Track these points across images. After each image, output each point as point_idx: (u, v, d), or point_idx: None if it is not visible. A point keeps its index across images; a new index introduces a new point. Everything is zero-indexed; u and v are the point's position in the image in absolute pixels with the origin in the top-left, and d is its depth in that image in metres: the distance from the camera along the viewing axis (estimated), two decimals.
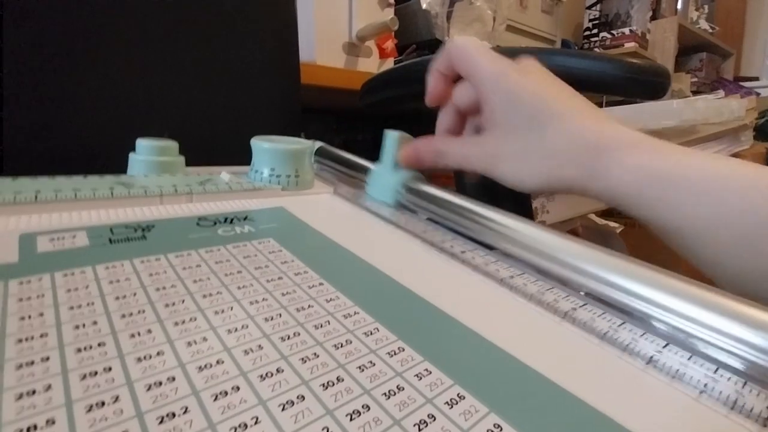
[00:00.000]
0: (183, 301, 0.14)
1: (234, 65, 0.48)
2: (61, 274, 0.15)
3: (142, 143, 0.27)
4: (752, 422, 0.12)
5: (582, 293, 0.18)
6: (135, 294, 0.14)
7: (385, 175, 0.29)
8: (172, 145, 0.29)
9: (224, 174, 0.28)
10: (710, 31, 2.19)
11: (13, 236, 0.17)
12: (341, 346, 0.13)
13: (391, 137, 0.29)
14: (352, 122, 0.95)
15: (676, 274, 0.17)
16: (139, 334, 0.12)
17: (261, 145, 0.28)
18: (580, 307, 0.17)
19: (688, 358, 0.15)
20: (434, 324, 0.15)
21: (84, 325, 0.12)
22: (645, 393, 0.13)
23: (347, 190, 0.30)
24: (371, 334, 0.14)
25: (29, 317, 0.13)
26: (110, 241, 0.18)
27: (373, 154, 0.31)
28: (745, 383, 0.14)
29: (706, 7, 2.26)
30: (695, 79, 2.08)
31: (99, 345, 0.12)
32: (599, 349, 0.15)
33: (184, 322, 0.13)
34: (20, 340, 0.12)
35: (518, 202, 0.44)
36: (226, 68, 0.47)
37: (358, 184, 0.32)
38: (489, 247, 0.22)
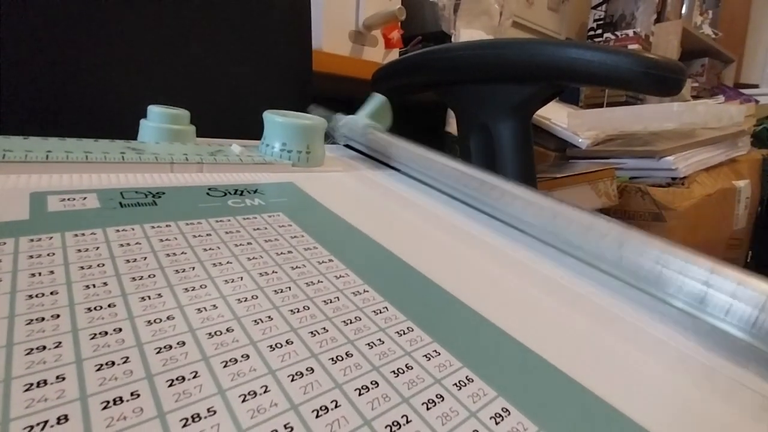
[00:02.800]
0: (193, 268, 0.14)
1: (246, 39, 0.47)
2: (71, 234, 0.15)
3: (153, 110, 0.27)
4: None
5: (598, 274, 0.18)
6: (145, 258, 0.14)
7: (358, 122, 0.35)
8: (184, 113, 0.29)
9: (235, 146, 0.28)
10: (713, 36, 2.16)
11: (23, 194, 0.17)
12: (350, 322, 0.13)
13: (378, 98, 0.35)
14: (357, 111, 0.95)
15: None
16: (149, 297, 0.12)
17: (273, 118, 0.28)
18: (592, 294, 0.17)
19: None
20: (443, 306, 0.15)
21: (94, 286, 0.12)
22: (649, 384, 0.13)
23: (358, 169, 0.30)
24: (380, 312, 0.14)
25: (39, 274, 0.12)
26: (121, 204, 0.17)
27: None
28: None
29: (710, 12, 2.23)
30: (696, 84, 2.07)
31: (109, 306, 0.12)
32: (610, 340, 0.15)
33: (194, 288, 0.13)
34: (30, 296, 0.12)
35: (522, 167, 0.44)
36: (238, 41, 0.47)
37: (371, 165, 0.32)
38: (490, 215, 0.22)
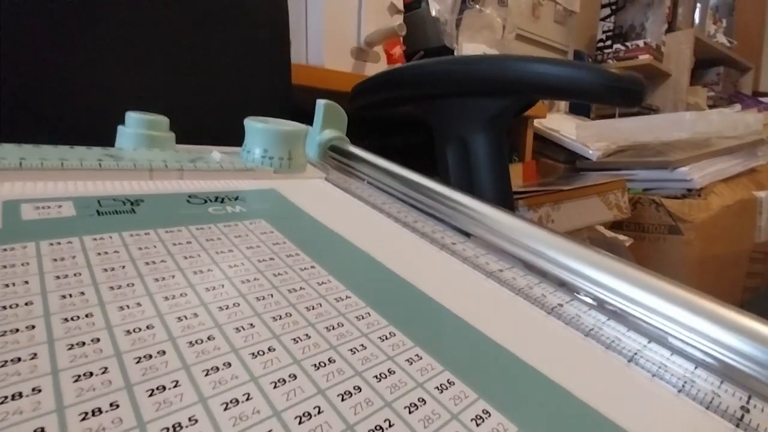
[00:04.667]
0: (173, 276, 0.14)
1: (226, 48, 0.47)
2: (46, 242, 0.14)
3: (132, 116, 0.27)
4: (726, 422, 0.13)
5: (581, 295, 0.19)
6: (124, 267, 0.14)
7: (314, 137, 0.34)
8: (162, 120, 0.28)
9: (215, 153, 0.27)
10: (728, 45, 2.16)
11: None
12: (333, 328, 0.13)
13: (320, 105, 0.34)
14: (359, 127, 0.94)
15: (655, 272, 0.17)
16: (128, 306, 0.12)
17: (254, 125, 0.28)
18: (567, 303, 0.17)
19: (669, 356, 0.15)
20: (424, 310, 0.15)
21: (71, 295, 0.12)
22: (627, 386, 0.13)
23: (339, 176, 0.30)
24: (363, 318, 0.14)
25: (13, 284, 0.12)
26: (98, 212, 0.17)
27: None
28: (722, 382, 0.14)
29: (724, 20, 2.23)
30: (712, 93, 2.07)
31: (87, 316, 0.12)
32: (585, 343, 0.15)
33: (174, 296, 0.13)
34: (4, 308, 0.11)
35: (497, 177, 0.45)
36: (218, 48, 0.47)
37: (351, 172, 0.32)
38: (459, 230, 0.22)
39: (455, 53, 0.98)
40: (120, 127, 0.27)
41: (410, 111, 0.54)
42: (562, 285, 0.19)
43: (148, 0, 0.41)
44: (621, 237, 0.95)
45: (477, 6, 1.01)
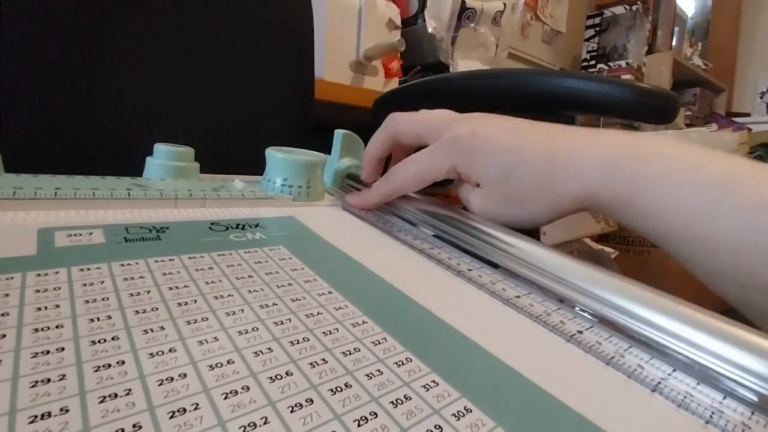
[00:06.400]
0: (195, 301, 0.14)
1: (250, 75, 0.49)
2: (77, 268, 0.15)
3: (159, 148, 0.28)
4: None
5: (588, 315, 0.18)
6: (149, 291, 0.14)
7: (332, 165, 0.35)
8: (188, 151, 0.29)
9: (237, 182, 0.28)
10: (703, 67, 2.25)
11: (31, 230, 0.17)
12: (350, 353, 0.13)
13: (338, 134, 0.35)
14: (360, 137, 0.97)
15: (684, 300, 0.17)
16: (152, 330, 0.13)
17: (275, 155, 0.29)
18: (587, 329, 0.17)
19: (696, 386, 0.14)
20: (441, 336, 0.15)
21: (99, 319, 0.13)
22: (652, 418, 0.13)
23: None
24: (379, 343, 0.14)
25: (45, 308, 0.13)
26: (126, 239, 0.18)
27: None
28: (752, 413, 0.13)
29: (699, 44, 2.33)
30: (689, 113, 2.14)
31: (113, 339, 0.12)
32: (606, 372, 0.15)
33: (196, 321, 0.13)
34: (36, 330, 0.12)
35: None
36: (242, 77, 0.49)
37: None
38: (486, 261, 0.22)
39: (450, 69, 1.00)
40: (148, 158, 0.28)
41: None
42: (596, 317, 0.18)
43: (175, 33, 0.43)
44: (607, 249, 0.97)
45: (472, 25, 1.04)
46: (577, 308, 0.19)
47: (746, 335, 0.15)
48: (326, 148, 0.36)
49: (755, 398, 0.14)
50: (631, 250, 1.00)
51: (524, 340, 0.16)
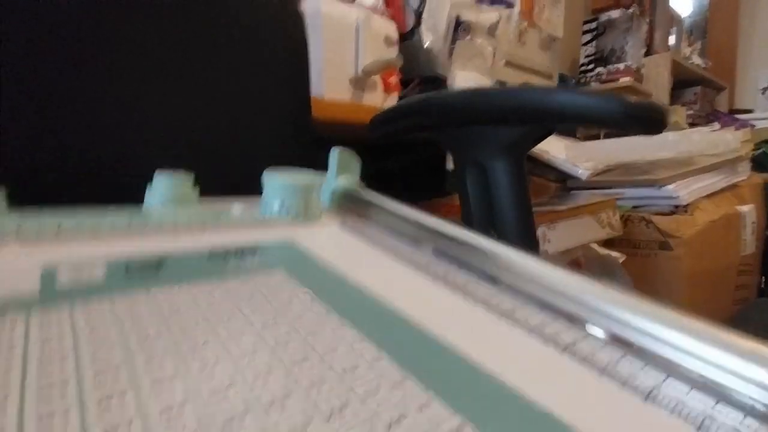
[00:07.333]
0: (196, 330, 0.15)
1: (245, 93, 0.50)
2: (80, 304, 0.16)
3: (159, 176, 0.29)
4: None
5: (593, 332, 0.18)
6: (151, 323, 0.15)
7: (329, 184, 0.36)
8: (187, 178, 0.30)
9: (236, 206, 0.29)
10: (703, 66, 2.26)
11: (35, 267, 0.18)
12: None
13: (334, 153, 0.36)
14: (360, 153, 0.98)
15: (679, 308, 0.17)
16: (153, 359, 0.13)
17: (272, 178, 0.29)
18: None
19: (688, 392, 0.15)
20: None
21: (102, 352, 0.13)
22: (647, 428, 0.13)
23: (354, 222, 0.31)
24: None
25: (49, 343, 0.13)
26: (127, 271, 0.18)
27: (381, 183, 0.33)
28: (744, 416, 0.14)
29: (698, 43, 2.34)
30: (691, 112, 2.15)
31: (115, 369, 0.12)
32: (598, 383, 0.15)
33: (197, 349, 0.14)
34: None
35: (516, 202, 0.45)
36: (236, 96, 0.50)
37: (365, 217, 0.33)
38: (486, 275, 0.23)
39: (448, 81, 1.02)
40: (149, 186, 0.29)
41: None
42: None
43: (170, 57, 0.45)
44: (614, 254, 0.97)
45: (468, 37, 1.06)
46: (596, 330, 0.19)
47: (733, 338, 0.15)
48: (327, 165, 0.37)
49: (750, 403, 0.14)
50: (637, 253, 1.00)
51: (520, 355, 0.16)
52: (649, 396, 0.14)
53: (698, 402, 0.14)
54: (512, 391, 0.14)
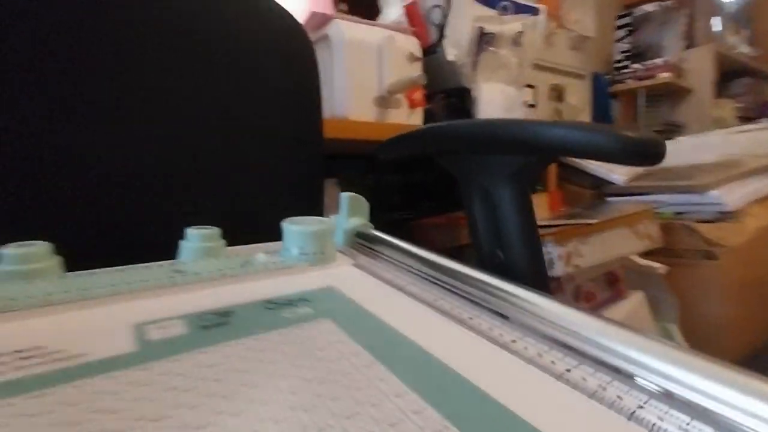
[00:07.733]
0: (261, 383, 0.17)
1: (256, 140, 0.53)
2: (171, 359, 0.19)
3: (190, 232, 0.34)
4: None
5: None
6: (224, 375, 0.18)
7: (341, 225, 0.40)
8: (215, 231, 0.35)
9: (261, 255, 0.34)
10: (752, 55, 2.07)
11: (129, 325, 0.22)
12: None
13: (344, 197, 0.41)
14: (381, 166, 1.00)
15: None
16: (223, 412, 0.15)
17: (290, 227, 0.34)
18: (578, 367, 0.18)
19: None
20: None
21: (195, 407, 0.16)
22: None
23: (366, 261, 0.36)
24: None
25: (152, 401, 0.16)
26: (203, 327, 0.22)
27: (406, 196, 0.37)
28: None
29: (746, 30, 2.15)
30: (741, 105, 2.00)
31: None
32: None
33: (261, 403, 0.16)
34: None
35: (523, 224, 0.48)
36: (249, 143, 0.53)
37: (377, 256, 0.37)
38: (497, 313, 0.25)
39: (473, 93, 1.03)
40: (181, 242, 0.34)
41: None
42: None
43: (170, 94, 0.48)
44: (655, 265, 0.92)
45: (492, 48, 1.05)
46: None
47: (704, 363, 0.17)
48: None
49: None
50: (680, 263, 0.94)
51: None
52: (631, 417, 0.16)
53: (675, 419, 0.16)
54: None
